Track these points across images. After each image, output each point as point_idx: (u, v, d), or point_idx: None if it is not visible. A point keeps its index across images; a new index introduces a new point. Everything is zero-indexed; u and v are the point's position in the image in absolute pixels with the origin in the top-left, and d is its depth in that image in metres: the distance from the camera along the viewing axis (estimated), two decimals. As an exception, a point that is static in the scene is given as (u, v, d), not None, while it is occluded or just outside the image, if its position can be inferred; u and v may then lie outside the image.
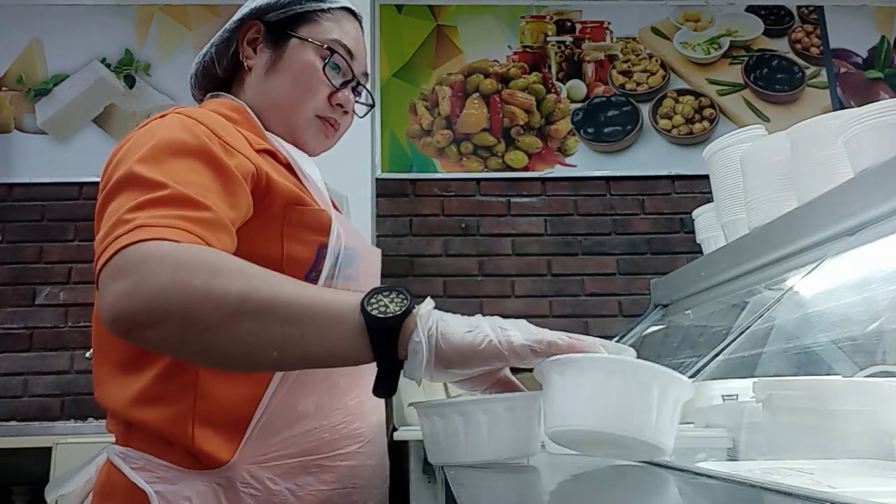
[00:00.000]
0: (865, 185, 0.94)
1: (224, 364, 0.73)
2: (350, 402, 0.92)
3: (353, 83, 1.04)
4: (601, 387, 0.75)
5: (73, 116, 3.14)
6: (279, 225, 0.87)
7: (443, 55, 3.28)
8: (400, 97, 3.22)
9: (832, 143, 1.10)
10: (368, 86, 1.10)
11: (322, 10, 1.03)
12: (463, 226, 3.08)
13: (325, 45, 1.01)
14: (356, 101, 1.07)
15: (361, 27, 1.08)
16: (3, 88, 3.16)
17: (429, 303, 0.72)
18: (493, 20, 3.33)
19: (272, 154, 0.94)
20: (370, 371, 0.76)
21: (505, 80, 3.26)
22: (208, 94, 1.06)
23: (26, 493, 2.60)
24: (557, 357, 0.75)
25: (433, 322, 0.69)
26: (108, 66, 3.19)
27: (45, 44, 3.20)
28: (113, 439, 0.89)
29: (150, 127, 0.85)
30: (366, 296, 0.69)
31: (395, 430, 2.10)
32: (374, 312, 0.67)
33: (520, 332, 0.74)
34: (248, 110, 0.99)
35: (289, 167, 0.94)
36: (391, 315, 0.67)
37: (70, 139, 3.12)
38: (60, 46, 3.19)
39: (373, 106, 1.12)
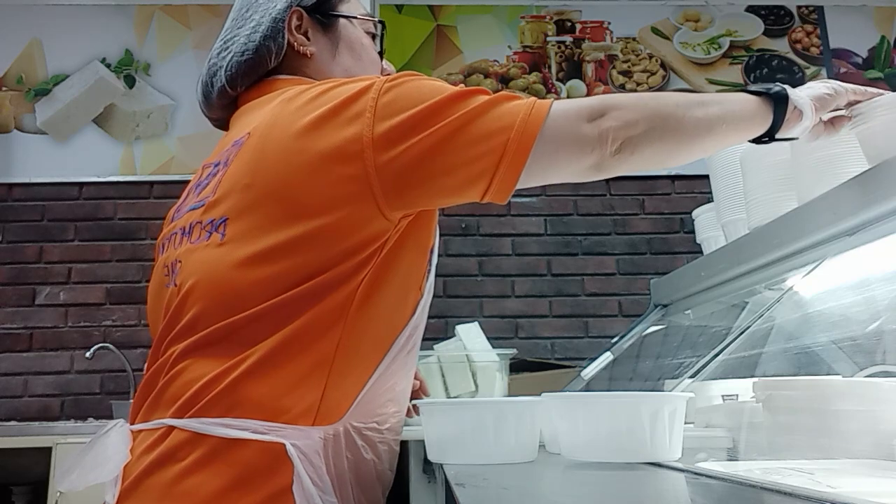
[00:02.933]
0: (865, 185, 0.94)
1: (686, 153, 0.90)
2: (411, 371, 0.99)
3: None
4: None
5: (73, 116, 3.14)
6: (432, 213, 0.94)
7: (443, 55, 3.28)
8: (400, 97, 3.22)
9: (832, 143, 1.10)
10: None
11: None
12: (463, 226, 3.08)
13: (375, 21, 1.09)
14: None
15: None
16: (3, 88, 3.16)
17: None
18: (493, 20, 3.33)
19: None
20: (414, 356, 0.97)
21: (505, 80, 3.26)
22: (259, 82, 1.03)
23: (26, 493, 2.60)
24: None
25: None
26: (108, 66, 3.19)
27: (45, 44, 3.20)
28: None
29: (414, 76, 0.88)
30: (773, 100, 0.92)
31: (395, 429, 2.10)
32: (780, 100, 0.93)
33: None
34: None
35: None
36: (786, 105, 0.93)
37: (70, 139, 3.12)
38: (60, 46, 3.19)
39: None
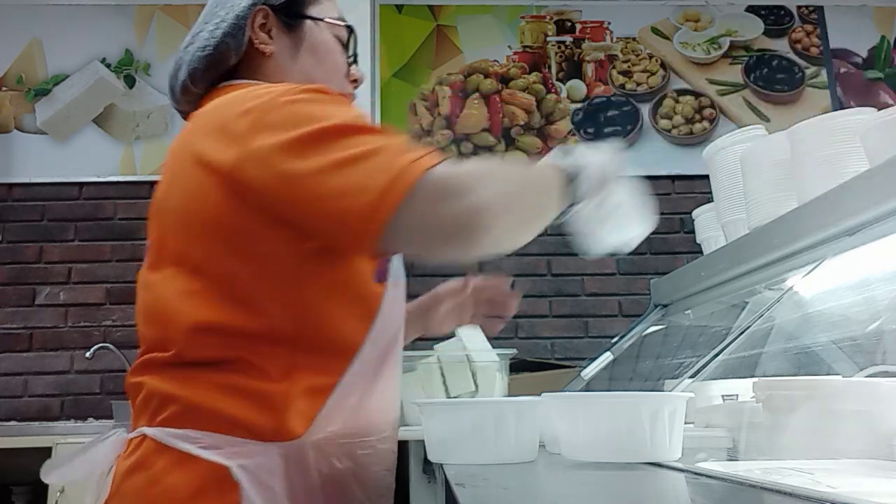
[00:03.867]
0: (865, 185, 0.94)
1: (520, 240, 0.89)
2: (390, 381, 0.97)
3: (355, 57, 1.10)
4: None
5: (73, 116, 3.14)
6: None
7: (443, 55, 3.28)
8: (400, 97, 3.22)
9: (832, 143, 1.10)
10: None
11: None
12: (463, 226, 3.08)
13: (344, 25, 1.07)
14: None
15: None
16: (3, 88, 3.16)
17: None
18: (493, 20, 3.33)
19: None
20: (395, 361, 0.97)
21: (505, 80, 3.26)
22: (219, 84, 1.02)
23: (26, 493, 2.60)
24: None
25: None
26: (108, 66, 3.19)
27: (45, 44, 3.20)
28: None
29: (306, 100, 0.85)
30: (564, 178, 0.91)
31: (395, 429, 2.10)
32: (575, 199, 0.92)
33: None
34: None
35: None
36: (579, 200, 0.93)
37: (70, 139, 3.12)
38: (60, 46, 3.19)
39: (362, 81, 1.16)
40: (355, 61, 1.10)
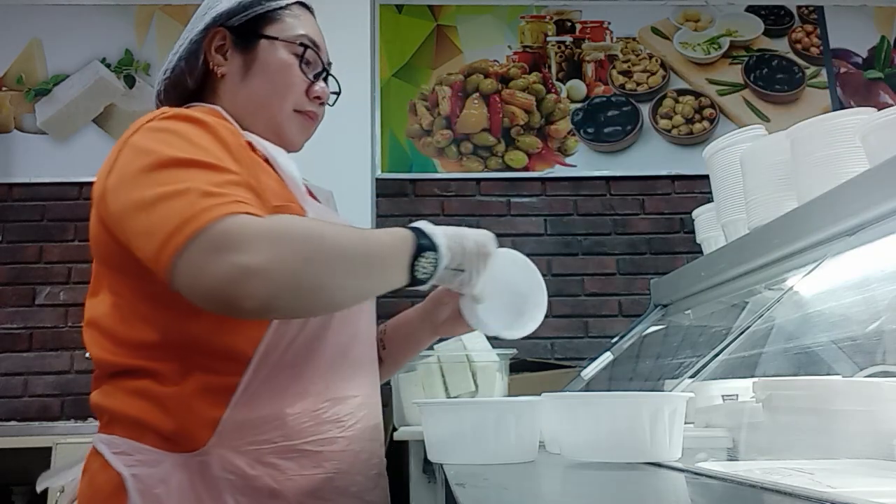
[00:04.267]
0: (865, 185, 0.94)
1: (329, 310, 0.88)
2: (330, 386, 0.94)
3: (324, 74, 1.08)
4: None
5: (73, 116, 3.14)
6: None
7: (443, 55, 3.28)
8: (400, 97, 3.22)
9: (832, 143, 1.10)
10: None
11: (281, 8, 1.05)
12: (463, 226, 3.07)
13: (299, 42, 1.04)
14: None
15: (314, 16, 1.12)
16: (3, 88, 3.16)
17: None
18: (493, 20, 3.33)
19: (252, 147, 0.96)
20: (350, 351, 0.97)
21: (505, 80, 3.26)
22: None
23: (26, 493, 2.60)
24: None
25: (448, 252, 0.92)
26: (108, 66, 3.19)
27: (45, 44, 3.19)
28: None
29: (162, 125, 0.87)
30: (412, 257, 0.86)
31: (395, 429, 2.10)
32: (419, 275, 0.88)
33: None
34: (224, 113, 1.01)
35: (267, 162, 0.97)
36: (426, 276, 0.89)
37: (70, 139, 3.12)
38: (60, 46, 3.19)
39: (339, 93, 1.14)
40: (324, 79, 1.08)
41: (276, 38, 1.03)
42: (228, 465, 0.85)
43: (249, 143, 0.96)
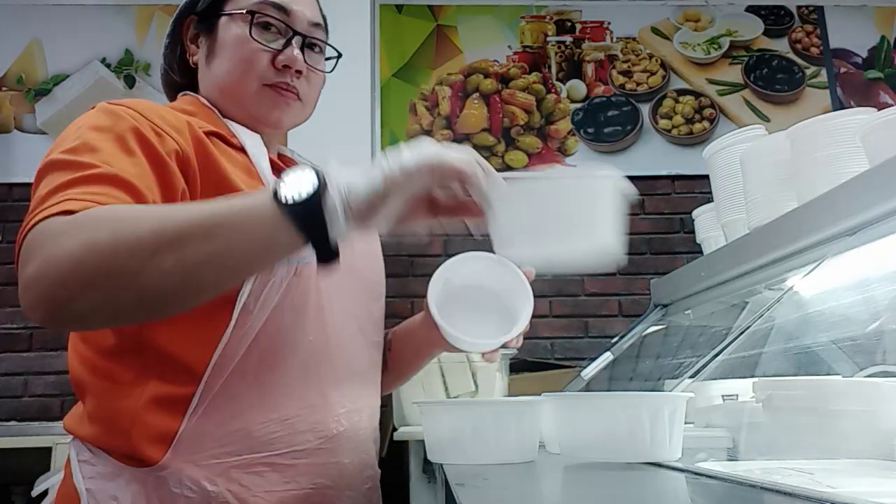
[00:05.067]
0: (865, 185, 0.94)
1: (166, 306, 0.69)
2: (307, 392, 0.86)
3: (296, 39, 0.96)
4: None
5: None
6: None
7: (443, 55, 3.28)
8: (400, 97, 3.22)
9: (832, 143, 1.10)
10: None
11: None
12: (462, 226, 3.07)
13: (246, 10, 0.95)
14: (313, 56, 0.99)
15: None
16: (3, 88, 3.16)
17: (333, 166, 0.68)
18: (493, 20, 3.33)
19: (222, 137, 0.90)
20: (330, 357, 0.89)
21: (505, 80, 3.26)
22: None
23: (26, 494, 2.59)
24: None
25: (342, 184, 0.66)
26: (108, 66, 3.19)
27: (45, 44, 3.19)
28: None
29: (78, 119, 0.84)
30: (276, 184, 0.66)
31: (395, 429, 2.10)
32: (289, 199, 0.64)
33: (411, 151, 0.69)
34: (204, 101, 0.97)
35: (244, 151, 0.92)
36: (306, 197, 0.65)
37: (70, 139, 3.12)
38: (60, 46, 3.19)
39: (339, 56, 1.04)
40: (290, 45, 0.95)
41: (230, 14, 0.95)
42: (186, 480, 0.79)
43: (216, 133, 0.89)
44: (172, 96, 1.05)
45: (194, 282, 0.66)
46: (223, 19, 0.96)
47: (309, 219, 0.65)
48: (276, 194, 0.65)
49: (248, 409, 0.82)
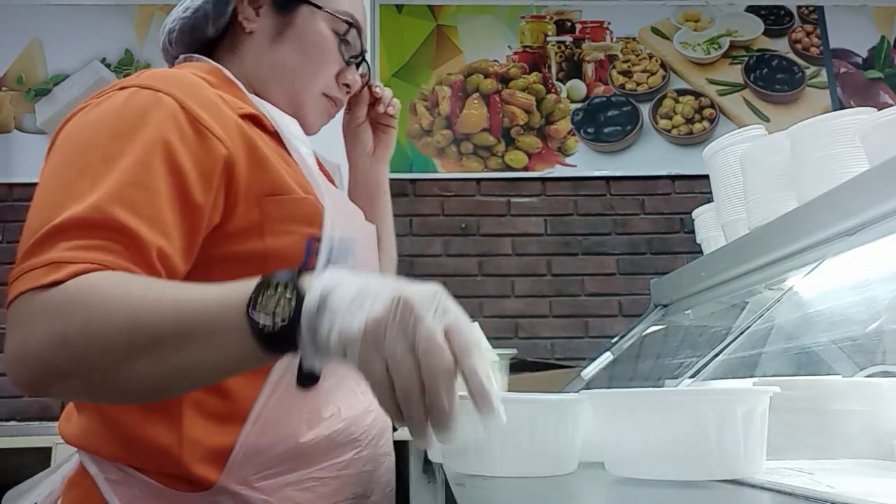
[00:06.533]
0: (865, 185, 0.94)
1: (140, 400, 0.68)
2: (344, 399, 0.84)
3: (359, 60, 0.97)
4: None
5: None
6: (258, 218, 0.77)
7: (443, 55, 3.28)
8: (400, 97, 3.19)
9: (832, 143, 1.10)
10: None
11: None
12: (463, 226, 3.08)
13: (344, 18, 0.93)
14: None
15: None
16: (3, 88, 3.16)
17: (315, 291, 0.57)
18: (493, 20, 3.33)
19: (257, 120, 0.83)
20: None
21: (505, 80, 3.26)
22: (181, 56, 0.94)
23: (26, 493, 2.59)
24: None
25: (326, 318, 0.56)
26: (108, 66, 3.19)
27: (45, 44, 3.19)
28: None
29: (105, 110, 0.74)
30: (251, 299, 0.58)
31: (395, 429, 2.10)
32: (261, 323, 0.57)
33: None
34: (226, 72, 0.88)
35: (276, 137, 0.85)
36: (278, 326, 0.57)
37: (70, 139, 3.12)
38: (60, 46, 3.19)
39: (369, 77, 1.04)
40: (357, 65, 0.97)
41: (319, 7, 0.91)
42: (242, 502, 0.75)
43: (253, 116, 0.82)
44: (187, 48, 0.94)
45: (168, 385, 0.64)
46: (305, 8, 0.91)
47: (283, 348, 0.58)
48: (249, 314, 0.57)
49: (298, 425, 0.78)
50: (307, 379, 0.66)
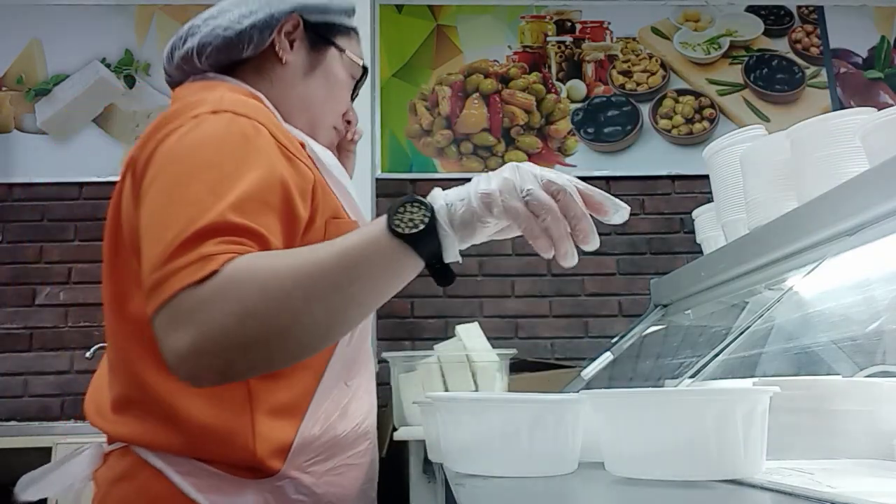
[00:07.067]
0: (865, 185, 0.94)
1: (319, 347, 0.76)
2: (365, 396, 0.97)
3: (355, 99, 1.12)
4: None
5: (73, 116, 3.14)
6: (321, 237, 0.85)
7: (443, 55, 3.28)
8: (400, 97, 3.22)
9: (832, 143, 1.10)
10: (366, 90, 1.17)
11: (352, 28, 1.08)
12: (463, 226, 3.07)
13: (361, 65, 1.08)
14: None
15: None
16: (3, 88, 3.16)
17: (436, 195, 0.74)
18: (493, 20, 3.33)
19: (303, 146, 0.93)
20: (368, 362, 0.97)
21: (505, 80, 3.26)
22: (210, 74, 1.00)
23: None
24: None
25: (447, 209, 0.72)
26: (108, 66, 3.19)
27: (45, 44, 3.19)
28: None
29: (211, 133, 0.81)
30: (389, 224, 0.71)
31: (394, 429, 2.10)
32: (406, 233, 0.70)
33: (501, 185, 0.72)
34: (267, 102, 0.97)
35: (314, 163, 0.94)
36: (423, 228, 0.71)
37: (70, 139, 3.12)
38: (60, 46, 3.19)
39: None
40: (354, 98, 1.12)
41: (344, 51, 1.05)
42: (301, 486, 0.86)
43: (302, 144, 0.93)
44: (214, 65, 1.00)
45: (342, 322, 0.73)
46: (334, 50, 1.05)
47: (427, 245, 0.71)
48: (393, 230, 0.70)
49: (337, 418, 0.91)
50: (445, 279, 0.74)
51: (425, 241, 0.71)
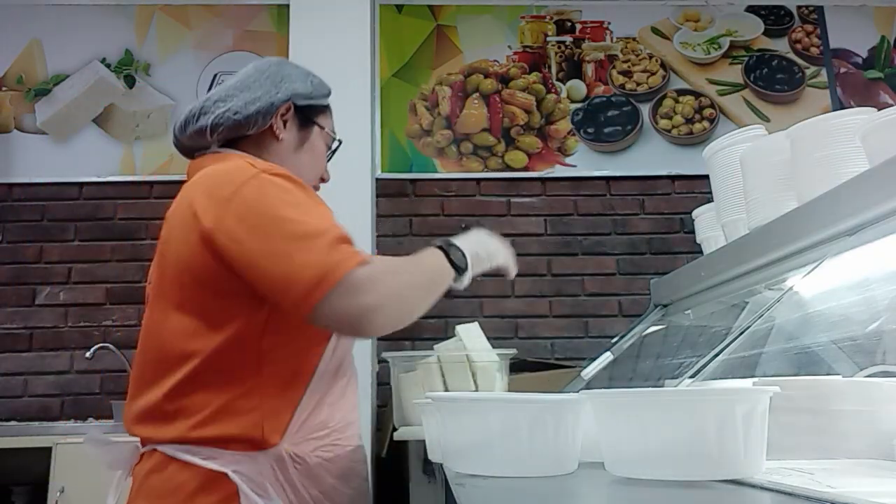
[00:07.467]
0: (865, 185, 0.94)
1: (408, 319, 1.04)
2: (345, 401, 1.20)
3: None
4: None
5: (73, 116, 3.14)
6: None
7: (443, 55, 3.28)
8: (400, 97, 3.22)
9: (832, 143, 1.10)
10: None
11: (327, 106, 1.32)
12: (463, 226, 3.08)
13: (335, 139, 1.33)
14: None
15: None
16: (3, 88, 3.16)
17: (464, 242, 1.18)
18: (493, 20, 3.33)
19: None
20: (350, 368, 1.22)
21: (505, 80, 3.26)
22: (221, 148, 1.21)
23: (26, 493, 2.59)
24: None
25: (471, 254, 1.18)
26: (108, 66, 3.19)
27: (45, 44, 3.20)
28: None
29: (282, 189, 1.06)
30: (448, 258, 1.13)
31: (394, 429, 2.10)
32: (459, 265, 1.15)
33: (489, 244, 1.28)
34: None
35: None
36: (465, 265, 1.16)
37: (70, 139, 3.12)
38: (60, 46, 3.19)
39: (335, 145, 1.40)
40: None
41: (323, 128, 1.30)
42: (296, 456, 1.08)
43: None
44: (222, 140, 1.21)
45: (426, 305, 1.07)
46: (316, 128, 1.29)
47: (463, 274, 1.15)
48: (451, 261, 1.14)
49: (325, 407, 1.14)
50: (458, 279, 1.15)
51: (462, 272, 1.15)
